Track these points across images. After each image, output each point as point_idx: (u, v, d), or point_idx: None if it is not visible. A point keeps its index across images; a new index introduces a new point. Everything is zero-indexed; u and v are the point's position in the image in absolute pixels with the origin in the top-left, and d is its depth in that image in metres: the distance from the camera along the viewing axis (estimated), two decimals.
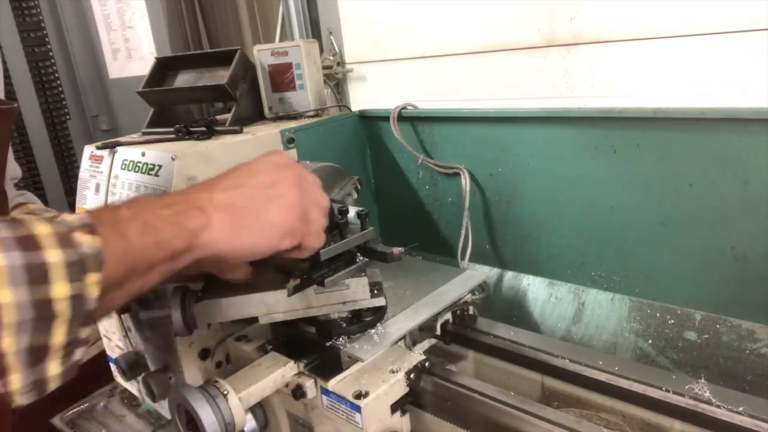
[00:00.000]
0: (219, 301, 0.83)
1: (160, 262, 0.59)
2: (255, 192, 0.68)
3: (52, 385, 0.52)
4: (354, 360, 0.86)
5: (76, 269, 0.50)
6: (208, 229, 0.63)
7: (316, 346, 0.89)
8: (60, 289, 0.49)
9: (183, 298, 0.83)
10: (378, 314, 0.91)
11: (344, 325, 0.89)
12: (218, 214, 0.64)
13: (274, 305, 0.84)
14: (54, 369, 0.51)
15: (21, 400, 0.50)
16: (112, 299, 0.56)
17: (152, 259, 0.58)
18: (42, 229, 0.50)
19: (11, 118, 0.75)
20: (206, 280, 0.86)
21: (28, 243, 0.48)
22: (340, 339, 0.88)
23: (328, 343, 0.88)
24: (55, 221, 0.53)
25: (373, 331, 0.90)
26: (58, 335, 0.50)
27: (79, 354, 0.53)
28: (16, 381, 0.48)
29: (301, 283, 0.81)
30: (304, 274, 0.82)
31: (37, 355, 0.49)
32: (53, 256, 0.49)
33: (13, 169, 1.10)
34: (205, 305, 0.83)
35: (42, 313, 0.48)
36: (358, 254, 0.89)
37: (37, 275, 0.48)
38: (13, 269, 0.46)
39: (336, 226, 0.85)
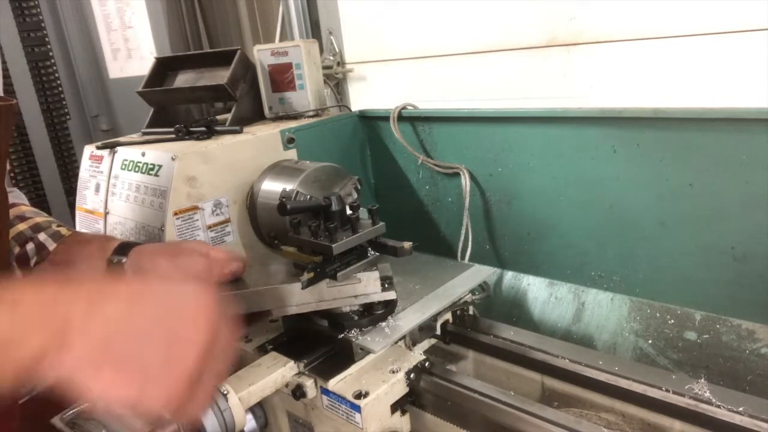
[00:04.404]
0: (233, 294, 0.84)
1: None
2: (145, 338, 0.50)
3: None
4: (366, 351, 0.86)
5: None
6: (60, 358, 0.46)
7: (328, 338, 0.90)
8: None
9: None
10: (389, 308, 0.92)
11: (356, 318, 0.90)
12: (84, 345, 0.47)
13: (287, 298, 0.85)
14: None
15: None
16: None
17: None
18: None
19: (12, 114, 0.75)
20: None
21: None
22: (352, 331, 0.89)
23: (341, 336, 0.89)
24: None
25: (384, 323, 0.90)
26: None
27: None
28: None
29: (314, 277, 0.82)
30: (317, 268, 0.83)
31: None
32: None
33: None
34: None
35: None
36: (369, 249, 0.90)
37: None
38: None
39: (348, 221, 0.86)
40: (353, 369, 0.86)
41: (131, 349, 0.49)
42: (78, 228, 1.23)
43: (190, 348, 0.51)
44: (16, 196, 1.19)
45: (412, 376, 0.86)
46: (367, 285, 0.87)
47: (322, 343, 0.90)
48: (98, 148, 1.15)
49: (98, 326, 0.48)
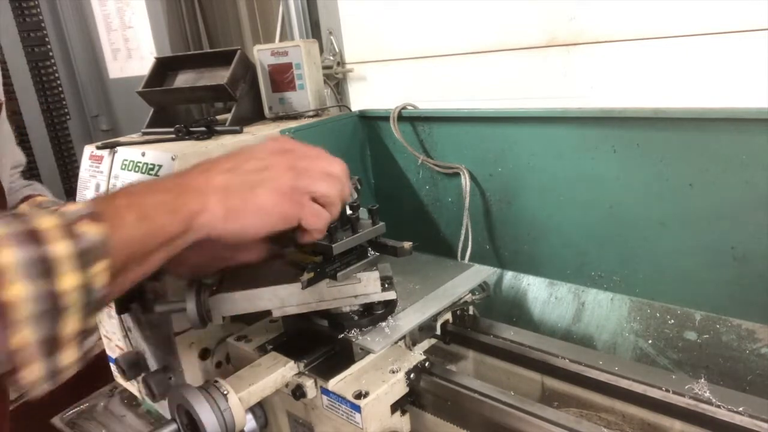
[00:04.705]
0: (233, 294, 0.84)
1: (157, 249, 0.61)
2: (247, 176, 0.69)
3: (67, 375, 0.53)
4: (366, 351, 0.86)
5: (83, 259, 0.51)
6: (204, 213, 0.64)
7: (328, 338, 0.90)
8: (68, 281, 0.50)
9: (198, 292, 0.84)
10: (389, 308, 0.92)
11: (356, 318, 0.90)
12: (214, 197, 0.66)
13: (287, 298, 0.85)
14: (67, 359, 0.52)
15: (37, 390, 0.52)
16: (115, 287, 0.57)
17: (149, 247, 0.60)
18: (45, 223, 0.51)
19: None
20: (221, 274, 0.87)
21: (32, 238, 0.50)
22: (352, 332, 0.89)
23: (341, 336, 0.89)
24: (57, 213, 0.54)
25: (384, 324, 0.90)
26: (69, 326, 0.51)
27: (91, 342, 0.55)
28: (33, 372, 0.50)
29: (314, 277, 0.82)
30: (318, 268, 0.83)
31: (50, 347, 0.50)
32: (59, 248, 0.50)
33: (16, 157, 1.08)
34: (219, 298, 0.84)
35: (52, 306, 0.49)
36: (370, 249, 0.90)
37: (44, 269, 0.49)
38: (20, 265, 0.48)
39: (348, 221, 0.86)
40: (353, 369, 0.86)
41: (244, 190, 0.67)
42: None
43: (280, 169, 0.70)
44: (35, 189, 1.19)
45: (412, 376, 0.86)
46: (367, 285, 0.87)
47: (322, 343, 0.90)
48: (98, 148, 1.15)
49: (217, 187, 0.66)
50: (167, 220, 0.61)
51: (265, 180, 0.69)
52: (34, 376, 0.50)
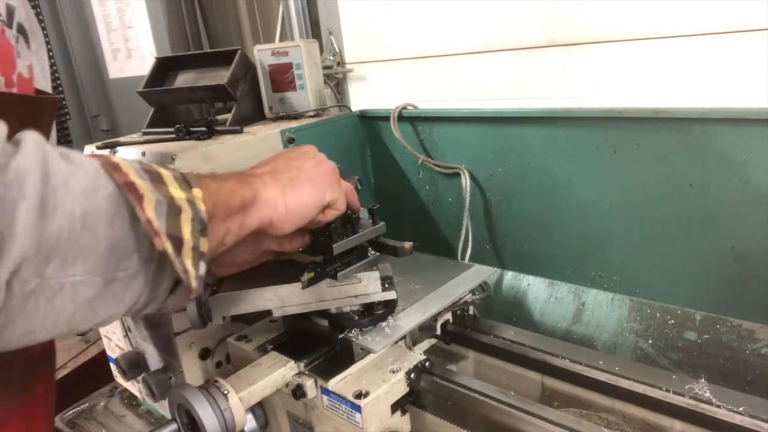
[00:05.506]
0: (234, 294, 0.84)
1: (235, 211, 0.63)
2: (289, 160, 0.76)
3: (192, 282, 0.54)
4: (366, 351, 0.87)
5: (183, 182, 0.56)
6: (264, 190, 0.68)
7: (328, 338, 0.90)
8: (176, 191, 0.54)
9: None
10: (389, 307, 0.92)
11: (356, 318, 0.90)
12: (267, 177, 0.70)
13: (287, 298, 0.85)
14: (189, 266, 0.53)
15: (177, 262, 0.53)
16: (210, 233, 0.59)
17: (228, 203, 0.62)
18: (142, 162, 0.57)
19: (53, 109, 0.76)
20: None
21: (138, 162, 0.55)
22: (353, 331, 0.89)
23: (341, 336, 0.89)
24: None
25: (384, 323, 0.90)
26: (186, 230, 0.53)
27: (203, 269, 0.56)
28: (165, 245, 0.51)
29: (314, 277, 0.82)
30: (318, 268, 0.83)
31: (175, 242, 0.52)
32: (161, 170, 0.55)
33: None
34: (220, 298, 0.84)
35: (168, 203, 0.52)
36: (370, 249, 0.90)
37: (154, 176, 0.53)
38: (134, 167, 0.52)
39: (348, 220, 0.86)
40: (353, 369, 0.87)
41: (290, 169, 0.74)
42: None
43: (322, 160, 0.78)
44: None
45: (412, 376, 0.86)
46: (367, 285, 0.87)
47: (323, 343, 0.90)
48: (98, 148, 1.15)
49: (266, 172, 0.71)
50: (237, 185, 0.65)
51: (308, 157, 0.77)
52: (168, 249, 0.51)
